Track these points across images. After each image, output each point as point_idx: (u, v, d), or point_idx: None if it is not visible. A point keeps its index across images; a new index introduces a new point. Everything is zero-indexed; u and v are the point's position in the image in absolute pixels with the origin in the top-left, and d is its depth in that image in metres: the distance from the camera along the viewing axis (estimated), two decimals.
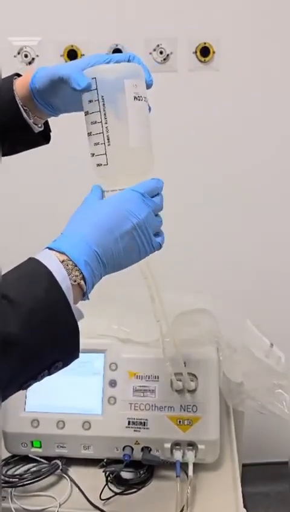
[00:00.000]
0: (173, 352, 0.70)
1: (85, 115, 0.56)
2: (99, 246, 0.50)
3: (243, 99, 1.19)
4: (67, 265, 0.48)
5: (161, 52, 1.16)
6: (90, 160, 0.57)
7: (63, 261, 0.48)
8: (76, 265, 0.48)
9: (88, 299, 0.50)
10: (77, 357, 0.49)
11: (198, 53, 1.16)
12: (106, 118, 0.54)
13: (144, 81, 0.57)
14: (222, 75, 1.18)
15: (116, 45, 1.16)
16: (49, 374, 0.48)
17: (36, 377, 0.47)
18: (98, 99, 0.54)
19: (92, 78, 0.53)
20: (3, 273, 0.47)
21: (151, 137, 0.57)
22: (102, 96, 0.54)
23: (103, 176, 0.57)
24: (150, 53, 1.16)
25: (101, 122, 0.54)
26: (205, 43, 1.16)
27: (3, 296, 0.44)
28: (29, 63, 1.17)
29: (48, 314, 0.45)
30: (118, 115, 0.54)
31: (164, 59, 1.17)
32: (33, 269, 0.47)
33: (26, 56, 1.16)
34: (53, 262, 0.47)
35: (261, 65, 1.17)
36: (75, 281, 0.47)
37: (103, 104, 0.54)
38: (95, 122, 0.54)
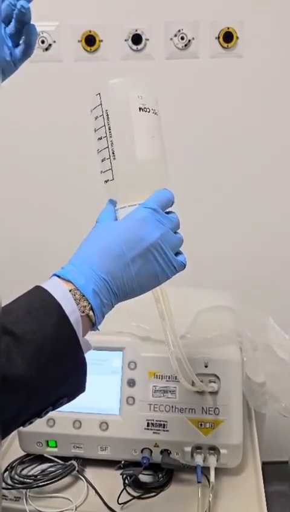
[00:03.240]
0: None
1: (94, 133, 0.54)
2: (108, 273, 0.47)
3: (266, 87, 1.14)
4: (74, 294, 0.45)
5: (182, 38, 1.11)
6: (100, 178, 0.54)
7: (70, 291, 0.45)
8: (84, 295, 0.45)
9: (98, 329, 0.48)
10: (84, 391, 0.48)
11: (221, 38, 1.11)
12: (110, 132, 0.51)
13: (153, 92, 0.53)
14: (245, 62, 1.13)
15: (136, 30, 1.12)
16: (54, 409, 0.47)
17: (40, 414, 0.45)
18: (102, 114, 0.52)
19: (96, 95, 0.52)
20: (10, 296, 0.45)
21: (164, 149, 0.54)
22: (106, 111, 0.52)
23: (112, 192, 0.53)
24: (171, 39, 1.12)
25: (106, 136, 0.52)
26: (228, 28, 1.11)
27: (9, 333, 0.42)
28: (46, 49, 1.13)
29: (57, 352, 0.43)
30: (123, 128, 0.51)
31: (185, 45, 1.12)
32: (41, 300, 0.44)
33: (43, 42, 1.13)
34: (61, 293, 0.45)
35: (287, 52, 1.12)
36: (83, 312, 0.45)
37: (107, 118, 0.52)
38: (101, 138, 0.52)
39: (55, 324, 0.43)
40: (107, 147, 0.52)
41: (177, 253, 0.51)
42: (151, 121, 0.53)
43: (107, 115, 0.51)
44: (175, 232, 0.51)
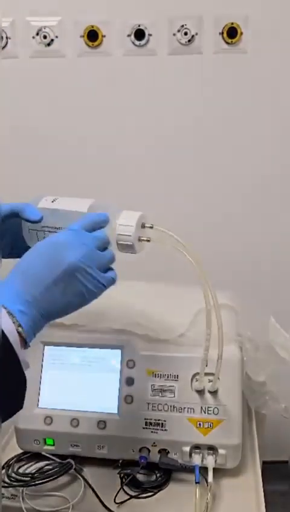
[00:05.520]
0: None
1: None
2: (31, 295, 0.48)
3: (271, 83, 1.13)
4: (11, 316, 0.46)
5: (186, 33, 1.10)
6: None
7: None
8: (14, 316, 0.46)
9: (29, 346, 0.48)
10: (20, 408, 0.47)
11: (225, 34, 1.10)
12: None
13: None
14: (249, 58, 1.12)
15: (139, 26, 1.10)
16: None
17: None
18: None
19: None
20: None
21: None
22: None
23: None
24: (174, 34, 1.11)
25: None
26: (232, 24, 1.09)
27: None
28: (48, 44, 1.13)
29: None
30: None
31: (189, 40, 1.11)
32: None
33: (45, 37, 1.12)
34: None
35: None
36: (17, 330, 0.46)
37: None
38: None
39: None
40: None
41: (108, 270, 0.53)
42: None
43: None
44: (105, 249, 0.53)
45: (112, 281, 0.53)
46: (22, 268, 0.50)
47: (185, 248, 0.58)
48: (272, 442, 1.13)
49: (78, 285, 0.50)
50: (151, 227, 0.58)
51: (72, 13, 1.11)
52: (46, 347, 0.71)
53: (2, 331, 0.43)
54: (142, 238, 0.58)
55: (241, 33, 1.10)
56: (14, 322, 0.46)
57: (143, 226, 0.58)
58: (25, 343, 0.47)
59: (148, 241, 0.58)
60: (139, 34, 1.11)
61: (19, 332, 0.46)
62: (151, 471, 0.68)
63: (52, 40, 1.12)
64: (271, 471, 1.15)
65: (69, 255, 0.50)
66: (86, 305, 0.53)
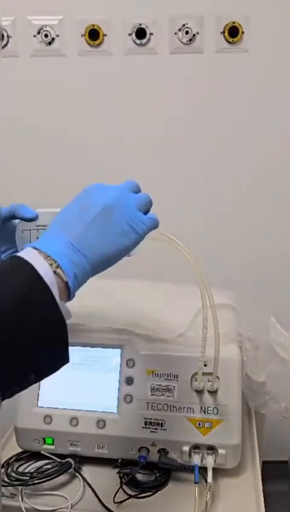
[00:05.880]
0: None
1: None
2: (71, 236, 0.46)
3: (273, 83, 1.13)
4: (41, 255, 0.43)
5: (187, 32, 1.10)
6: None
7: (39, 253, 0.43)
8: (49, 256, 0.43)
9: (74, 296, 0.45)
10: (67, 361, 0.43)
11: (226, 33, 1.10)
12: None
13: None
14: (250, 57, 1.11)
15: (140, 24, 1.10)
16: (20, 390, 0.41)
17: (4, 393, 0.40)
18: None
19: None
20: None
21: None
22: None
23: None
24: (175, 33, 1.10)
25: None
26: (233, 23, 1.09)
27: None
28: (49, 43, 1.12)
29: (29, 310, 0.40)
30: None
31: (190, 39, 1.11)
32: (11, 263, 0.42)
33: (46, 36, 1.12)
34: (32, 254, 0.43)
35: None
36: (55, 272, 0.43)
37: None
38: None
39: (27, 282, 0.40)
40: None
41: (146, 213, 0.52)
42: None
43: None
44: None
45: (153, 222, 0.51)
46: (58, 217, 0.48)
47: (182, 247, 0.58)
48: (272, 442, 1.13)
49: (118, 224, 0.48)
50: None
51: (73, 12, 1.10)
52: None
53: (36, 271, 0.40)
54: None
55: (243, 32, 1.09)
56: (51, 263, 0.42)
57: None
58: (68, 291, 0.44)
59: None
60: (140, 33, 1.10)
61: (57, 274, 0.43)
62: (150, 471, 0.68)
63: (53, 39, 1.12)
64: (271, 471, 1.15)
65: (105, 196, 0.49)
66: (131, 249, 0.50)
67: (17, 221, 0.58)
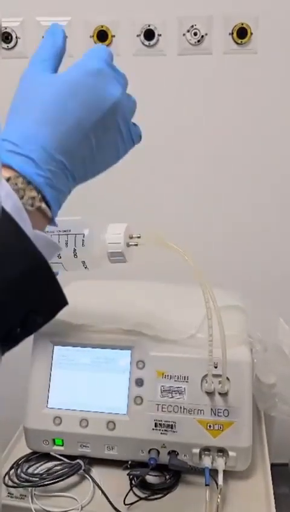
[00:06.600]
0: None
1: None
2: (65, 152, 0.35)
3: (282, 84, 1.12)
4: (15, 184, 0.33)
5: (195, 34, 1.10)
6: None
7: (9, 180, 0.33)
8: (30, 183, 0.34)
9: (56, 224, 0.37)
10: (63, 303, 0.35)
11: (235, 34, 1.10)
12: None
13: None
14: (259, 58, 1.11)
15: (148, 26, 1.10)
16: (27, 331, 0.34)
17: (7, 337, 0.33)
18: None
19: None
20: None
21: None
22: None
23: None
24: (184, 34, 1.10)
25: None
26: (242, 24, 1.09)
27: None
28: None
29: None
30: None
31: (198, 41, 1.11)
32: None
33: None
34: None
35: None
36: (32, 206, 0.34)
37: None
38: None
39: None
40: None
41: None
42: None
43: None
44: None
45: (139, 138, 0.43)
46: (50, 110, 0.36)
47: (179, 251, 0.59)
48: (281, 444, 1.12)
49: (116, 133, 0.39)
50: (138, 237, 0.61)
51: (82, 13, 1.10)
52: (55, 347, 0.71)
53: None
54: (131, 243, 0.61)
55: (252, 33, 1.09)
56: (33, 197, 0.33)
57: (131, 237, 0.61)
58: (49, 221, 0.35)
59: (136, 245, 0.61)
60: (149, 34, 1.10)
61: (40, 209, 0.34)
62: (160, 473, 0.68)
63: None
64: (280, 473, 1.14)
65: (111, 90, 0.37)
66: (111, 166, 0.42)
67: None
